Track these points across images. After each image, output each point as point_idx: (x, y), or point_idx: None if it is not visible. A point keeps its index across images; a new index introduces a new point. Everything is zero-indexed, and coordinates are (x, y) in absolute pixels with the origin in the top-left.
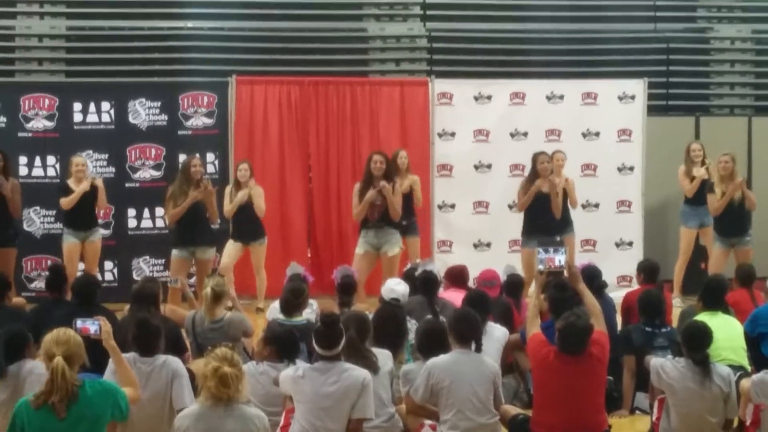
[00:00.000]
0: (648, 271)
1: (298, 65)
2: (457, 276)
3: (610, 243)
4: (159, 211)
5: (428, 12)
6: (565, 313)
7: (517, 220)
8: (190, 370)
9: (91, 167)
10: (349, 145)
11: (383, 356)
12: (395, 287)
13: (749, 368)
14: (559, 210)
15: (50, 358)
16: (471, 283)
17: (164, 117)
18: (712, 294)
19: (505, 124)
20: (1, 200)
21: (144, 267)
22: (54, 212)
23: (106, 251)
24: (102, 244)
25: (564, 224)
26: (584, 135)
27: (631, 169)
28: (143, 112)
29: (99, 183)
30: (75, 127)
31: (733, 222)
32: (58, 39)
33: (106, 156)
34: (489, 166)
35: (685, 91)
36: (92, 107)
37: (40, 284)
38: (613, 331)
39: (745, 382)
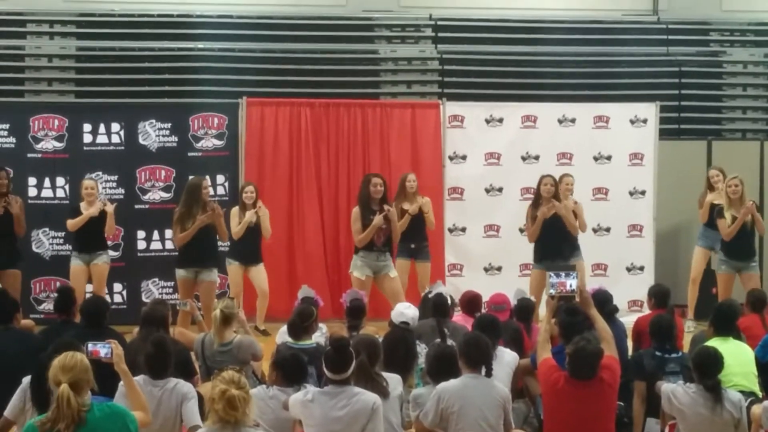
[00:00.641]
0: (659, 295)
1: (309, 87)
2: (469, 304)
3: (621, 267)
4: (169, 233)
5: (440, 34)
6: (575, 337)
7: (528, 244)
8: (199, 393)
9: (101, 189)
10: (360, 167)
11: (393, 380)
12: (405, 311)
13: (760, 394)
14: (575, 228)
15: (57, 384)
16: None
17: (174, 138)
18: (723, 319)
19: (517, 148)
20: (6, 220)
21: (153, 289)
22: (63, 234)
23: (115, 273)
24: (111, 266)
25: (572, 249)
26: (596, 158)
27: (643, 193)
28: (153, 134)
29: (109, 209)
30: (85, 148)
31: (742, 246)
32: (68, 59)
33: (116, 177)
34: (500, 190)
35: (698, 115)
36: (102, 128)
37: (48, 306)
38: (624, 356)
39: (756, 408)
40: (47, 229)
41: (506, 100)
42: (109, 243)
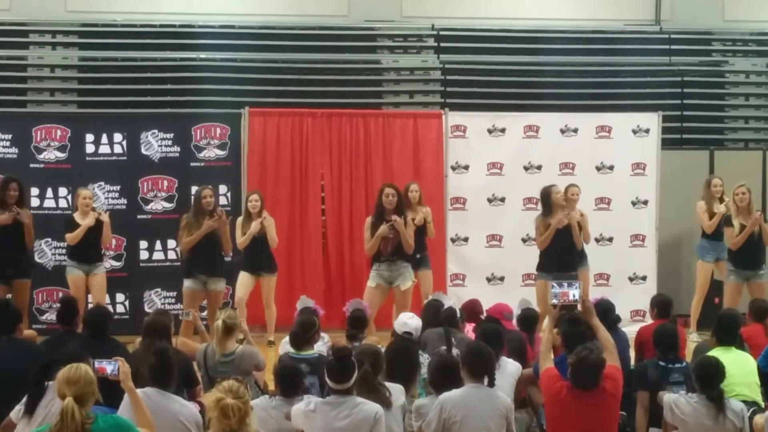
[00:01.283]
0: (661, 305)
1: (312, 97)
2: (469, 311)
3: (623, 277)
4: (171, 243)
5: (442, 44)
6: (577, 347)
7: (531, 254)
8: (201, 403)
9: (102, 199)
10: (362, 177)
11: (396, 390)
12: (408, 321)
13: (763, 404)
14: (581, 242)
15: (62, 397)
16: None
17: (177, 148)
18: (725, 329)
19: (519, 157)
20: (17, 231)
21: (156, 299)
22: (65, 244)
23: (117, 283)
24: (113, 276)
25: (579, 258)
26: (598, 168)
27: (645, 203)
28: (156, 144)
29: (105, 218)
30: (87, 158)
31: (750, 255)
32: (71, 69)
33: (118, 187)
34: (503, 200)
35: (700, 125)
36: (104, 138)
37: (51, 316)
38: (627, 366)
39: (759, 418)
40: (50, 240)
41: (509, 110)
42: (111, 253)
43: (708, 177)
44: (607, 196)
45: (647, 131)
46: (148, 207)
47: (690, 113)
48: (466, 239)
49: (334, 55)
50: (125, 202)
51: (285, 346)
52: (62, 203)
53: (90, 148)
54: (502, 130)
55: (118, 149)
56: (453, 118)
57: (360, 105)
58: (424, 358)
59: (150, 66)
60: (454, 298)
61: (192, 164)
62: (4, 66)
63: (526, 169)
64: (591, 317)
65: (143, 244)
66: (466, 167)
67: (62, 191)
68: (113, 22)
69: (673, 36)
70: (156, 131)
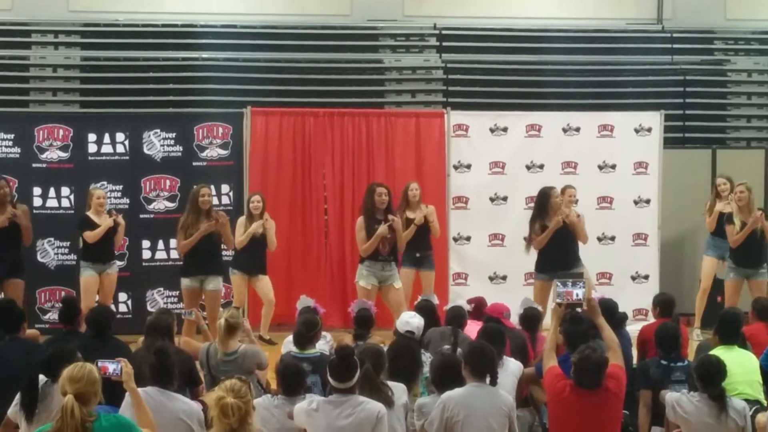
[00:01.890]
0: (664, 304)
1: (314, 96)
2: (474, 308)
3: (625, 276)
4: (174, 242)
5: (444, 43)
6: (580, 346)
7: (533, 253)
8: (203, 402)
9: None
10: (364, 176)
11: (398, 389)
12: (410, 320)
13: (765, 402)
14: (585, 237)
15: (63, 395)
16: None
17: (179, 148)
18: (727, 327)
19: (521, 156)
20: (13, 230)
21: (158, 299)
22: (68, 243)
23: (120, 283)
24: (117, 276)
25: (575, 259)
26: (600, 167)
27: (648, 201)
28: (158, 143)
29: (121, 220)
30: (89, 157)
31: (750, 253)
32: (73, 69)
33: (121, 187)
34: (505, 199)
35: (702, 124)
36: (107, 138)
37: (53, 316)
38: (629, 365)
39: (762, 417)
40: (52, 239)
41: (511, 109)
42: (115, 252)
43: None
44: (609, 195)
45: (649, 130)
46: (151, 206)
47: (692, 112)
48: (468, 238)
49: (336, 54)
50: (128, 201)
51: (287, 345)
52: (65, 203)
53: (92, 148)
54: (504, 129)
55: (120, 149)
56: (455, 117)
57: (362, 104)
58: (427, 357)
59: (152, 66)
60: (455, 297)
61: (194, 164)
62: (7, 66)
63: (528, 168)
64: (596, 316)
65: (146, 243)
66: (469, 166)
67: (65, 191)
68: (115, 21)
69: (675, 35)
70: (158, 131)
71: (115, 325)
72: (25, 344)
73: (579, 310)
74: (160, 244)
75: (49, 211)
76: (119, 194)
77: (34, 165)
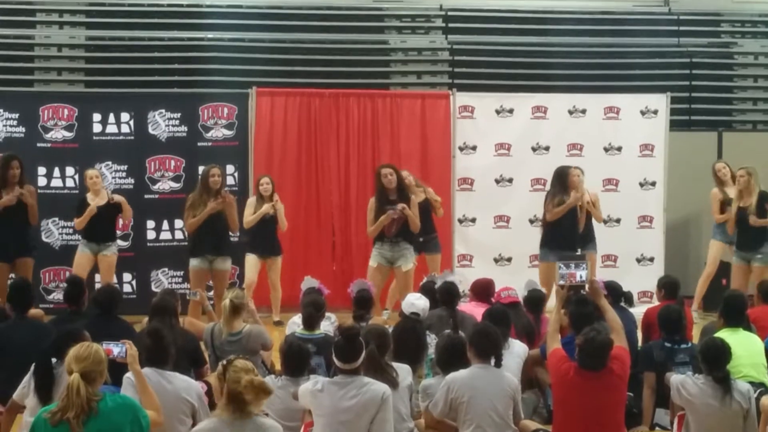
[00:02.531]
0: (669, 287)
1: (319, 77)
2: (482, 290)
3: (631, 258)
4: (178, 222)
5: (450, 25)
6: (585, 328)
7: (538, 235)
8: (208, 383)
9: (110, 178)
10: (369, 157)
11: (403, 371)
12: (415, 302)
13: None
14: (583, 223)
15: (69, 373)
16: None
17: (184, 128)
18: (731, 309)
19: (527, 138)
20: (21, 210)
21: (163, 279)
22: (72, 223)
23: (124, 263)
24: (121, 256)
25: (588, 240)
26: (606, 149)
27: (653, 184)
28: (163, 123)
29: (118, 198)
30: (94, 137)
31: (751, 237)
32: (78, 49)
33: (126, 167)
34: (510, 180)
35: (708, 106)
36: (111, 118)
37: (58, 296)
38: (634, 347)
39: (765, 399)
40: (57, 219)
41: (516, 91)
42: (119, 233)
43: (714, 162)
44: (615, 177)
45: (655, 112)
46: (156, 187)
47: (698, 95)
48: (473, 220)
49: (341, 35)
50: (132, 181)
51: (292, 326)
52: (69, 183)
53: (97, 128)
54: (510, 111)
55: (125, 129)
56: (461, 98)
57: (368, 85)
58: (431, 339)
59: (157, 45)
60: (460, 277)
61: (199, 144)
62: (12, 45)
63: (534, 150)
64: (599, 298)
65: (150, 223)
66: (474, 148)
67: (69, 171)
68: (120, 1)
69: (681, 17)
70: (163, 111)
71: (120, 306)
72: (31, 324)
73: (582, 291)
74: (165, 225)
75: (53, 191)
76: (124, 174)
77: (38, 145)
